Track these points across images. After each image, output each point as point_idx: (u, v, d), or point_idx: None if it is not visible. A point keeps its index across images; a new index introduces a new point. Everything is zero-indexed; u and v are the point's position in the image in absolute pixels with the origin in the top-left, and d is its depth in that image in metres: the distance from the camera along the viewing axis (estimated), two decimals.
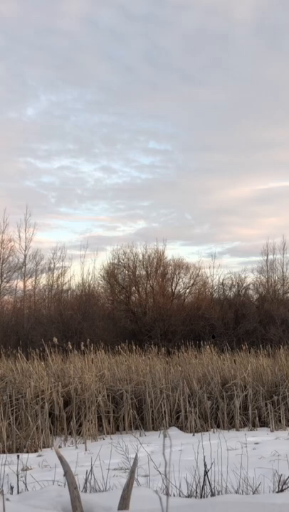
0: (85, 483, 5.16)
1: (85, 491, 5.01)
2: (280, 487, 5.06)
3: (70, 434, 11.49)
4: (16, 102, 44.81)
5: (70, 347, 14.08)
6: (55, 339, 14.03)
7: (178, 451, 7.71)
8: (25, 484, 5.32)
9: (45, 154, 44.79)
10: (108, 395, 12.31)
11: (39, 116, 42.99)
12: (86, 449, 9.89)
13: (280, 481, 5.11)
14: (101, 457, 6.28)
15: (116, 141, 45.33)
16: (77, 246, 52.33)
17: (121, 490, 3.13)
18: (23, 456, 8.30)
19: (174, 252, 53.18)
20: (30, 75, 43.84)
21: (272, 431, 11.72)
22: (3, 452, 9.67)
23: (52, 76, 43.59)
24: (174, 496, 5.00)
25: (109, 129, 43.89)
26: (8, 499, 3.90)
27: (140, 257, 30.25)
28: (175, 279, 30.78)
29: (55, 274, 31.06)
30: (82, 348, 14.09)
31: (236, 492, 5.06)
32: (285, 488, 5.03)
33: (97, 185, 42.76)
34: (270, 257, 31.49)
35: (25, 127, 41.70)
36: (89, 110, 43.98)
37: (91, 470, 5.27)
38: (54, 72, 42.66)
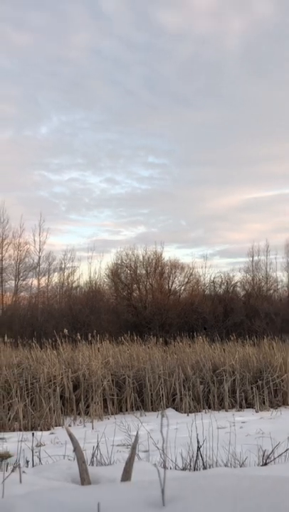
0: (92, 457, 5.16)
1: (92, 465, 5.00)
2: (264, 461, 5.05)
3: (79, 414, 11.48)
4: (31, 122, 44.96)
5: (79, 337, 14.06)
6: (65, 330, 14.01)
7: (174, 430, 7.73)
8: (39, 458, 5.30)
9: (57, 168, 44.81)
10: (112, 380, 12.30)
11: (51, 134, 43.01)
12: (93, 428, 9.88)
13: (263, 455, 5.11)
14: (106, 435, 6.27)
15: (119, 156, 45.30)
16: (85, 248, 52.08)
17: (124, 463, 3.13)
18: (38, 433, 8.29)
19: (170, 253, 53.26)
20: (43, 97, 43.88)
21: (257, 411, 11.71)
22: (20, 430, 9.69)
23: (62, 99, 43.53)
24: (171, 468, 4.99)
25: (113, 145, 43.91)
26: (24, 472, 3.90)
27: (141, 258, 30.31)
28: (171, 278, 30.80)
29: (65, 273, 31.09)
30: (90, 338, 14.08)
31: (225, 465, 5.05)
32: (269, 462, 5.02)
33: (103, 195, 42.81)
34: (255, 258, 31.58)
35: (39, 144, 41.84)
36: (95, 129, 43.98)
37: (97, 446, 5.27)
38: (64, 96, 42.77)
